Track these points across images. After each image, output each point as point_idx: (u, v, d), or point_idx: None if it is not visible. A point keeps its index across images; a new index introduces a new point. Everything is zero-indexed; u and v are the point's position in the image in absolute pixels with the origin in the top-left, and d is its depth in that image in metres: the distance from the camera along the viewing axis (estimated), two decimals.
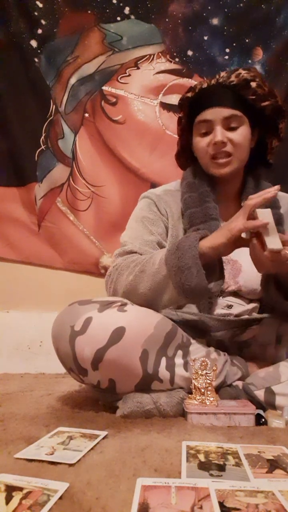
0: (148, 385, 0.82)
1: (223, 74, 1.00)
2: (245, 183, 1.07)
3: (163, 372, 0.82)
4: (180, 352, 0.85)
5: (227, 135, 0.98)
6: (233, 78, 0.98)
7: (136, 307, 0.85)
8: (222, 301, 1.00)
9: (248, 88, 0.98)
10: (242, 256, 1.01)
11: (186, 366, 0.85)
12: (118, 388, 0.81)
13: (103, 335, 0.77)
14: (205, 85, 1.00)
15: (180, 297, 0.85)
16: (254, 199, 0.82)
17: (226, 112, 0.97)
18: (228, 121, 0.98)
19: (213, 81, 1.00)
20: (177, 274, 0.81)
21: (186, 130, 1.06)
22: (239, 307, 1.01)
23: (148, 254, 0.94)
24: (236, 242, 0.82)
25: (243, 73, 0.98)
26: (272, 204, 1.05)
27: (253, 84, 0.98)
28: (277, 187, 0.84)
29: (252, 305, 1.03)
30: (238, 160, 1.00)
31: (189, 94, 1.02)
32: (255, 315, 1.03)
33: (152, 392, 0.82)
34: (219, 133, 0.97)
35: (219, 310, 1.00)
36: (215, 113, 0.98)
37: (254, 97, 0.99)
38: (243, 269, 1.01)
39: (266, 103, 1.00)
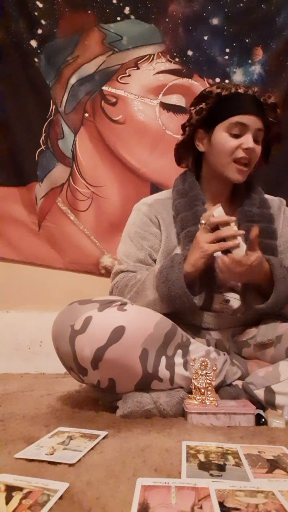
0: (148, 384, 0.82)
1: (255, 88, 1.05)
2: (236, 185, 1.10)
3: (163, 371, 0.82)
4: (179, 352, 0.85)
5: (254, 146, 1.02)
6: (265, 97, 1.04)
7: (136, 307, 0.86)
8: (220, 296, 1.01)
9: (274, 112, 1.06)
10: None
11: (185, 365, 0.85)
12: (118, 387, 0.82)
13: (103, 334, 0.77)
14: (240, 90, 1.03)
15: (170, 309, 0.95)
16: (215, 219, 0.93)
17: (260, 124, 1.02)
18: (258, 133, 1.02)
19: (250, 91, 1.04)
20: (170, 301, 0.93)
21: (200, 122, 1.07)
22: (237, 302, 1.02)
23: (141, 270, 1.03)
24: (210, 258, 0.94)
25: (273, 97, 1.06)
26: (263, 204, 1.10)
27: (279, 111, 1.07)
28: (241, 232, 0.93)
29: (248, 301, 1.03)
30: (250, 172, 1.06)
31: (221, 91, 1.02)
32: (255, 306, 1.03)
33: (152, 391, 0.83)
34: (252, 141, 1.00)
35: (216, 306, 1.01)
36: (252, 121, 1.01)
37: (274, 121, 1.06)
38: None
39: (278, 131, 1.08)
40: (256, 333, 1.01)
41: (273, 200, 1.15)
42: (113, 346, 0.77)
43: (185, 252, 0.98)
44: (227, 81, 1.21)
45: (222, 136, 1.03)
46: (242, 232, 0.93)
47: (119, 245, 1.14)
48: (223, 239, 0.93)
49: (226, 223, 0.93)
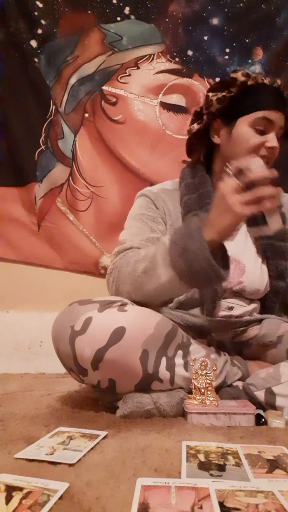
0: (148, 385, 0.82)
1: (279, 81, 0.99)
2: None
3: (163, 372, 0.82)
4: (180, 352, 0.85)
5: None
6: (286, 91, 0.99)
7: (137, 307, 0.85)
8: (223, 303, 1.00)
9: None
10: (245, 256, 1.02)
11: (186, 366, 0.84)
12: (118, 388, 0.81)
13: (103, 335, 0.77)
14: (267, 81, 0.97)
15: (189, 289, 0.87)
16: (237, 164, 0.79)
17: (283, 122, 0.97)
18: (279, 131, 0.98)
19: (275, 84, 0.98)
20: (192, 278, 0.79)
21: (219, 111, 1.00)
22: (240, 308, 1.01)
23: (147, 248, 0.91)
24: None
25: None
26: None
27: None
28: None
29: (253, 306, 1.03)
30: None
31: (247, 80, 0.96)
32: (256, 315, 1.03)
33: (152, 392, 0.82)
34: (276, 140, 0.96)
35: (220, 312, 1.00)
36: (278, 118, 0.96)
37: None
38: (247, 269, 1.01)
39: None
40: (258, 334, 1.00)
41: (284, 196, 1.07)
42: (114, 347, 0.76)
43: (202, 215, 0.83)
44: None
45: (246, 130, 0.97)
46: (281, 190, 0.77)
47: (122, 232, 1.04)
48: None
49: (266, 182, 0.76)
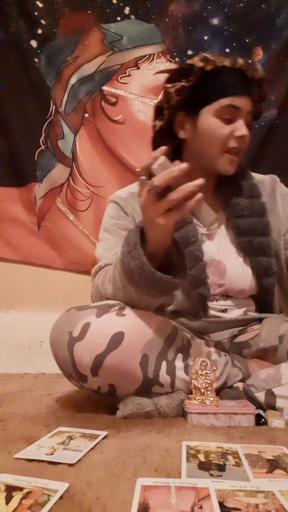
0: (148, 389, 0.81)
1: (241, 61, 0.91)
2: (219, 176, 1.01)
3: (163, 377, 0.81)
4: (180, 355, 0.84)
5: None
6: (252, 71, 0.92)
7: (135, 311, 0.84)
8: (216, 305, 1.00)
9: (260, 88, 0.93)
10: (225, 256, 1.00)
11: (186, 369, 0.83)
12: (118, 392, 0.81)
13: (101, 341, 0.76)
14: (227, 63, 0.90)
15: (159, 299, 0.84)
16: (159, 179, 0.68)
17: (250, 106, 0.91)
18: (247, 116, 0.91)
19: (236, 64, 0.90)
20: (152, 291, 0.78)
21: (179, 103, 0.93)
22: (234, 310, 1.01)
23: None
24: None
25: (259, 70, 0.92)
26: (253, 192, 1.00)
27: (264, 87, 0.94)
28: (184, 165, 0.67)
29: (245, 305, 1.02)
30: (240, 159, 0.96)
31: (206, 66, 0.89)
32: (252, 314, 1.03)
33: (152, 394, 0.82)
34: (245, 128, 0.90)
35: (212, 314, 0.99)
36: (245, 103, 0.90)
37: (259, 99, 0.94)
38: (228, 270, 0.99)
39: (261, 110, 0.97)
40: (258, 337, 0.99)
41: (265, 182, 1.04)
42: (113, 353, 0.75)
43: (140, 223, 0.77)
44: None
45: (211, 121, 0.91)
46: (200, 182, 0.68)
47: (97, 245, 1.03)
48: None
49: (178, 181, 0.67)
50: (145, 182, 0.69)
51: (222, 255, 0.99)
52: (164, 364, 0.81)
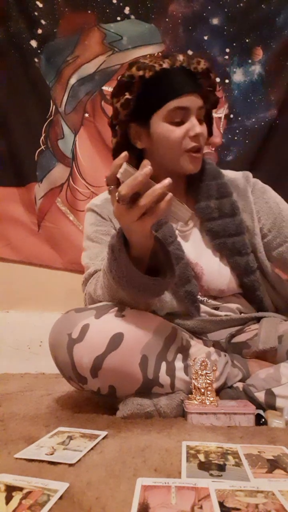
0: (148, 390, 0.81)
1: (181, 57, 0.90)
2: (188, 177, 1.00)
3: (163, 377, 0.81)
4: (180, 356, 0.83)
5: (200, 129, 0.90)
6: (195, 64, 0.89)
7: (135, 312, 0.84)
8: (207, 305, 0.99)
9: (208, 79, 0.91)
10: (202, 258, 0.99)
11: (186, 369, 0.83)
12: (118, 393, 0.81)
13: (101, 342, 0.76)
14: (166, 65, 0.88)
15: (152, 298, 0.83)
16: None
17: (199, 101, 0.90)
18: (199, 112, 0.90)
19: (176, 63, 0.88)
20: (141, 294, 0.78)
21: (130, 115, 0.93)
22: (225, 308, 1.01)
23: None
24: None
25: (203, 61, 0.90)
26: (223, 192, 0.98)
27: (213, 75, 0.92)
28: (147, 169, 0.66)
29: (237, 304, 1.02)
30: (202, 155, 0.94)
31: (144, 73, 0.88)
32: (248, 313, 1.02)
33: (152, 395, 0.82)
34: (198, 125, 0.89)
35: (205, 314, 0.99)
36: (192, 101, 0.88)
37: (211, 88, 0.92)
38: (205, 271, 0.99)
39: (215, 97, 0.95)
40: (257, 338, 0.99)
41: (237, 179, 1.02)
42: (112, 354, 0.75)
43: (120, 229, 0.76)
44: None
45: (163, 127, 0.90)
46: (167, 182, 0.68)
47: (82, 254, 1.03)
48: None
49: (144, 183, 0.66)
50: (114, 191, 0.68)
51: (198, 257, 0.99)
52: (164, 365, 0.81)
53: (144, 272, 0.75)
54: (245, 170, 1.07)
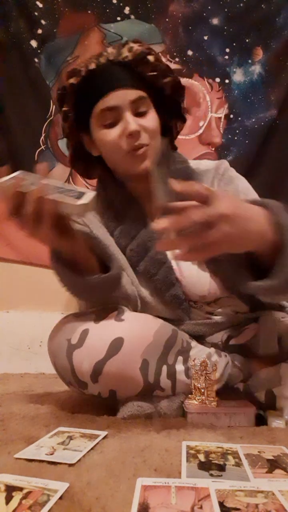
0: (149, 393, 0.81)
1: (110, 50, 0.85)
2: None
3: (164, 381, 0.80)
4: (180, 358, 0.83)
5: (139, 122, 0.83)
6: (126, 53, 0.83)
7: (134, 315, 0.83)
8: (199, 311, 0.97)
9: (146, 63, 0.84)
10: (182, 265, 0.95)
11: (187, 372, 0.83)
12: (119, 397, 0.80)
13: (101, 347, 0.75)
14: (92, 66, 0.83)
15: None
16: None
17: (132, 94, 0.82)
18: (136, 105, 0.83)
19: (101, 59, 0.83)
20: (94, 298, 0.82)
21: (75, 126, 0.90)
22: (220, 313, 0.99)
23: None
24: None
25: (136, 46, 0.84)
26: (191, 178, 0.92)
27: (151, 58, 0.84)
28: None
29: (230, 305, 1.00)
30: (154, 150, 0.86)
31: (73, 80, 0.84)
32: (239, 314, 1.01)
33: (153, 398, 0.81)
34: (132, 121, 0.82)
35: (199, 319, 0.97)
36: (120, 97, 0.82)
37: (154, 73, 0.85)
38: (184, 275, 0.95)
39: (168, 79, 0.87)
40: (256, 341, 0.97)
41: (208, 172, 0.95)
42: (112, 359, 0.75)
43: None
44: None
45: (99, 133, 0.86)
46: (42, 184, 0.67)
47: None
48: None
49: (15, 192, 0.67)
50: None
51: (179, 264, 0.95)
52: (164, 369, 0.80)
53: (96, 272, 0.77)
54: (245, 170, 1.05)
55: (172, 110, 0.92)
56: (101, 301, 0.83)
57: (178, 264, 0.94)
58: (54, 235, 0.70)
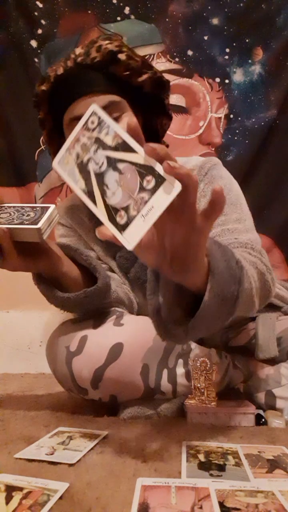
0: (150, 397, 0.80)
1: (79, 51, 0.78)
2: None
3: (165, 385, 0.80)
4: (181, 361, 0.82)
5: None
6: (94, 53, 0.76)
7: (134, 318, 0.82)
8: None
9: (118, 63, 0.78)
10: None
11: (188, 375, 0.82)
12: (119, 401, 0.80)
13: (100, 354, 0.74)
14: (60, 71, 0.78)
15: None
16: None
17: (101, 100, 0.77)
18: (107, 111, 0.77)
19: (69, 63, 0.78)
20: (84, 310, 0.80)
21: (54, 133, 0.86)
22: None
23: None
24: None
25: (105, 44, 0.77)
26: None
27: (122, 57, 0.77)
28: None
29: None
30: None
31: (44, 87, 0.80)
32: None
33: (154, 401, 0.81)
34: None
35: None
36: (87, 105, 0.78)
37: (127, 72, 0.78)
38: None
39: (144, 77, 0.80)
40: (255, 343, 0.97)
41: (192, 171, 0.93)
42: (112, 365, 0.74)
43: None
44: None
45: None
46: None
47: None
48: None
49: None
50: None
51: None
52: (165, 372, 0.79)
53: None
54: (245, 170, 1.03)
55: (155, 108, 0.87)
56: (93, 311, 0.82)
57: None
58: (27, 261, 0.68)
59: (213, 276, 0.50)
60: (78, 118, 0.72)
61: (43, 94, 0.81)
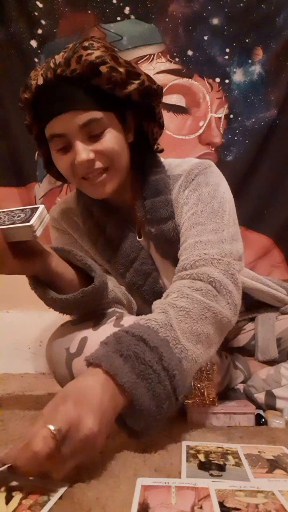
0: None
1: (59, 59, 0.73)
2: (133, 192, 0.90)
3: None
4: None
5: (93, 148, 0.76)
6: (74, 65, 0.72)
7: (133, 319, 0.81)
8: None
9: (99, 75, 0.73)
10: (161, 270, 0.93)
11: None
12: None
13: None
14: (41, 81, 0.74)
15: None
16: None
17: (81, 118, 0.73)
18: (88, 129, 0.74)
19: (49, 74, 0.73)
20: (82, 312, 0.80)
21: (41, 138, 0.82)
22: None
23: None
24: None
25: (85, 55, 0.72)
26: (154, 204, 0.84)
27: (104, 69, 0.72)
28: None
29: None
30: (117, 171, 0.80)
31: (27, 95, 0.77)
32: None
33: None
34: (81, 151, 0.74)
35: None
36: (66, 123, 0.73)
37: (110, 85, 0.74)
38: (165, 285, 0.92)
39: (130, 88, 0.76)
40: (255, 344, 0.97)
41: (179, 177, 0.85)
42: None
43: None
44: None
45: (53, 156, 0.80)
46: None
47: None
48: None
49: None
50: None
51: (160, 270, 0.93)
52: None
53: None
54: (245, 170, 1.03)
55: (145, 114, 0.84)
56: (92, 312, 0.81)
57: (161, 275, 0.93)
58: (23, 262, 0.68)
59: (139, 412, 0.55)
60: (58, 135, 0.74)
61: (26, 102, 0.78)
